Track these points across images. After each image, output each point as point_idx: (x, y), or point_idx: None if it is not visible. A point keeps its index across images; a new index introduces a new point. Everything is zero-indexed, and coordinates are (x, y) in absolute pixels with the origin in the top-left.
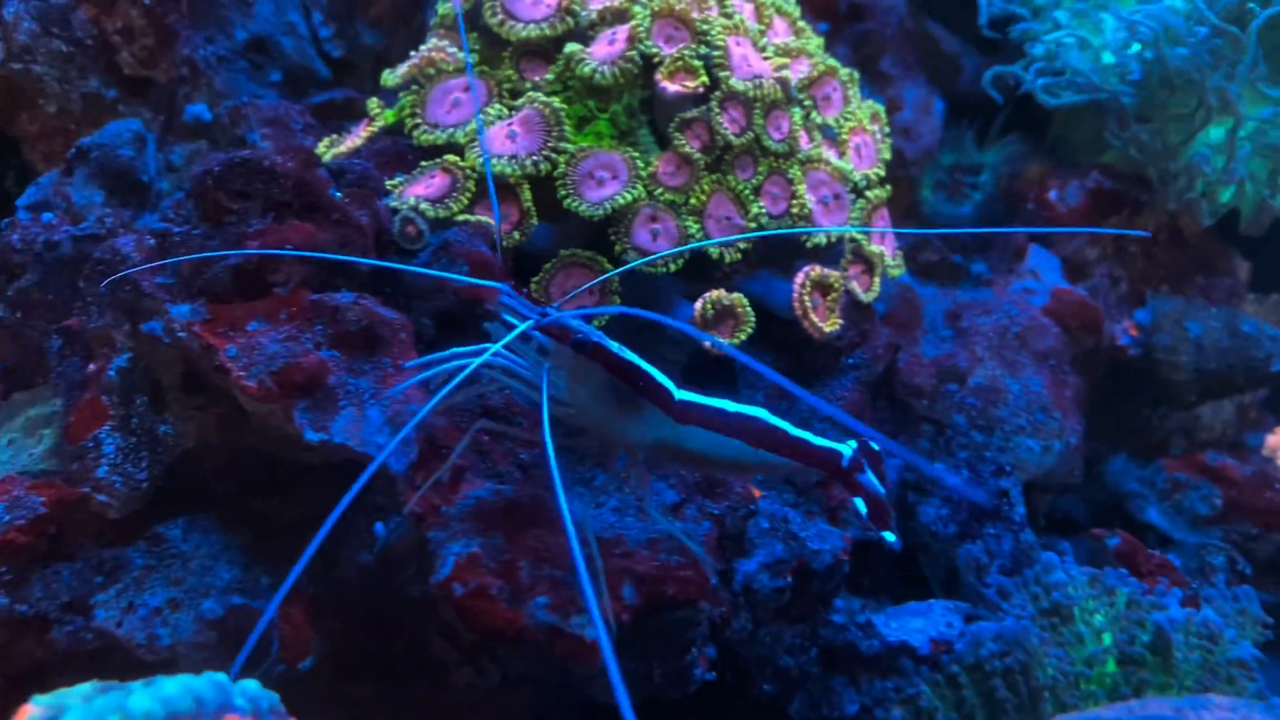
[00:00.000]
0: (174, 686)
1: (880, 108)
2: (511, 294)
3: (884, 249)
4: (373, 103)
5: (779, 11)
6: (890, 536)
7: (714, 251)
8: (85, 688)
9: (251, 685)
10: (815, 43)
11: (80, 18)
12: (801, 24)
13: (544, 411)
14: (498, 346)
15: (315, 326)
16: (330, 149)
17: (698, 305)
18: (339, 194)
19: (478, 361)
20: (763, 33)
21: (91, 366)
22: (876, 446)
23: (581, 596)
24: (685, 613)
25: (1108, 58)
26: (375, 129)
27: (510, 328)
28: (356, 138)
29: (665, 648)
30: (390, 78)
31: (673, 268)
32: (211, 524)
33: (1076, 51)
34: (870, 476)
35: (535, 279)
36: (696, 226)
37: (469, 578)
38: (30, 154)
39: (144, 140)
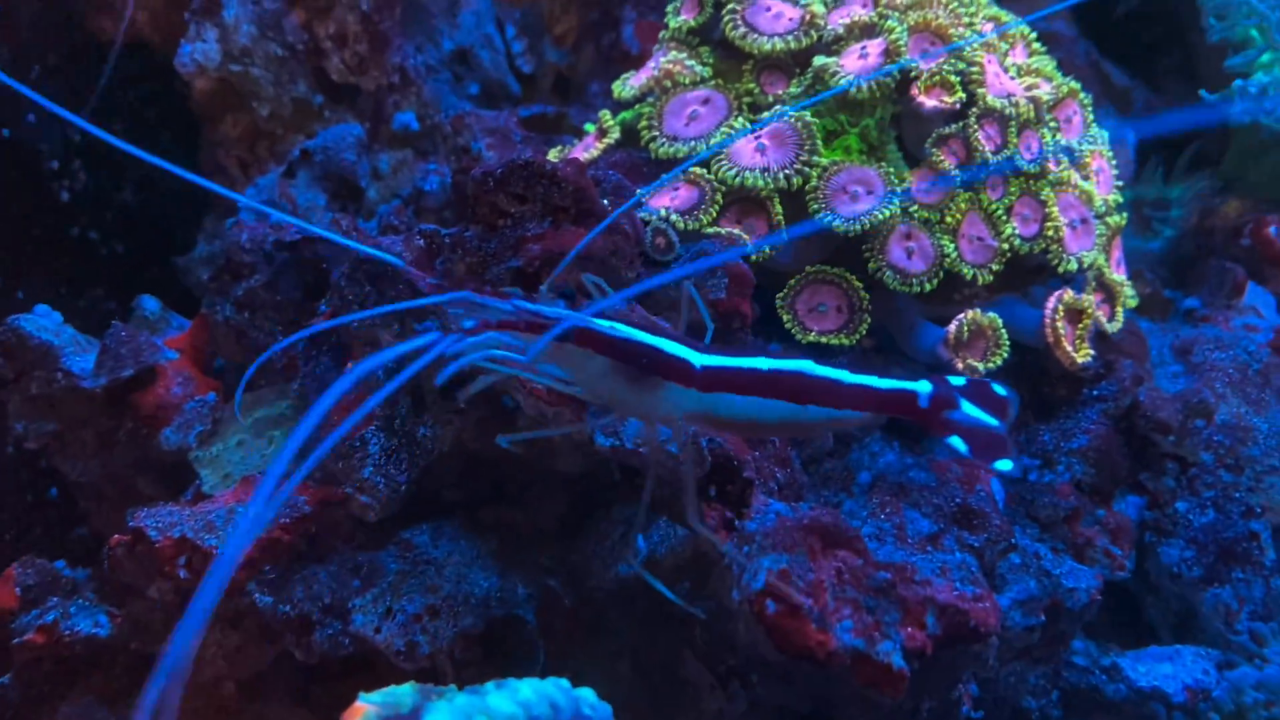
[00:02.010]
0: (528, 690)
1: (1106, 134)
2: (473, 298)
3: (1124, 277)
4: (606, 115)
5: (1019, 32)
6: (1005, 465)
7: (967, 272)
8: (408, 688)
9: (588, 694)
10: (1050, 64)
11: (292, 22)
12: (1037, 45)
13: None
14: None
15: None
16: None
17: (953, 327)
18: (606, 202)
19: (437, 347)
20: (1006, 52)
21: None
22: (1001, 391)
23: (885, 621)
24: (978, 646)
25: None
26: (610, 141)
27: (459, 326)
28: (591, 149)
29: (941, 681)
30: (625, 90)
31: (928, 287)
32: (456, 531)
33: None
34: (969, 409)
35: (780, 295)
36: (952, 245)
37: (781, 594)
38: (224, 158)
39: (364, 145)
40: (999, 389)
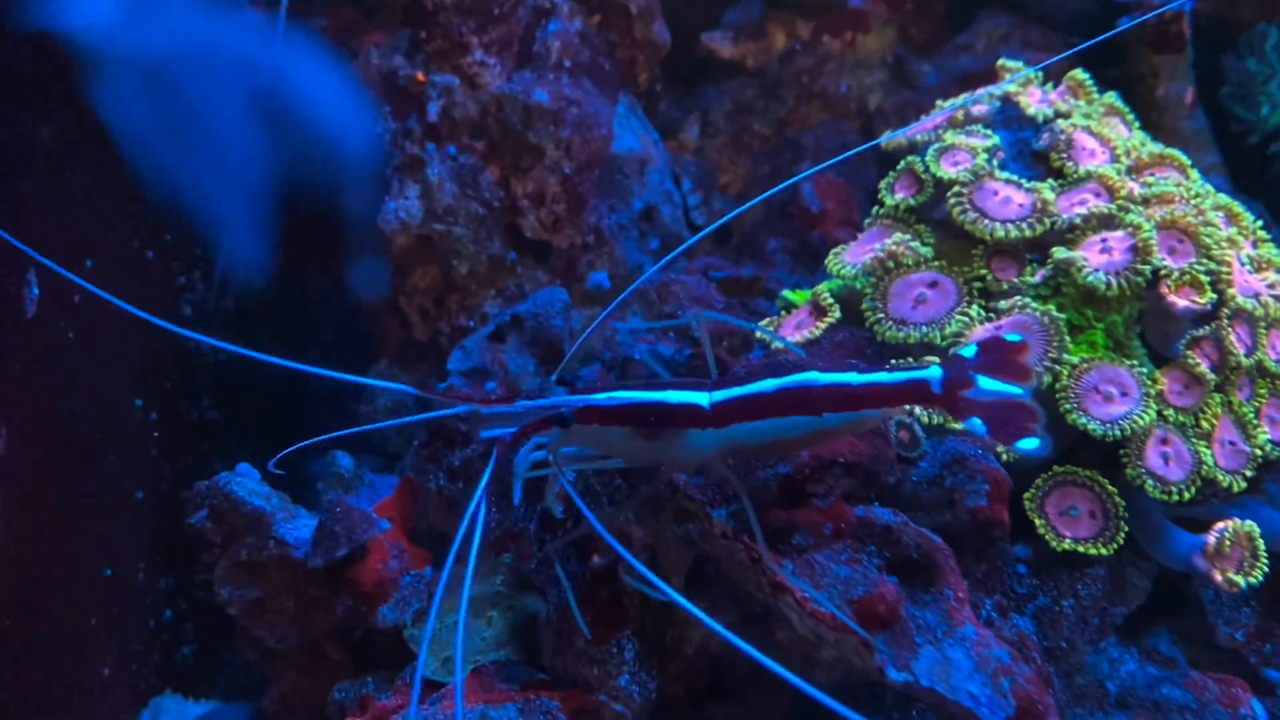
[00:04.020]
0: None
1: None
2: (481, 409)
3: None
4: (824, 293)
5: (1248, 222)
6: (1029, 444)
7: (1224, 480)
8: None
9: None
10: (1275, 251)
11: (487, 179)
12: (1263, 233)
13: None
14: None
15: (868, 548)
16: (772, 331)
17: (1212, 538)
18: None
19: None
20: (1241, 246)
21: (597, 560)
22: (1014, 337)
23: None
24: None
25: None
26: (831, 320)
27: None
28: (811, 328)
29: None
30: (844, 268)
31: (1186, 496)
32: None
33: None
34: (986, 384)
35: (1027, 495)
36: (1208, 452)
37: None
38: (406, 305)
39: (570, 309)
40: (1011, 337)
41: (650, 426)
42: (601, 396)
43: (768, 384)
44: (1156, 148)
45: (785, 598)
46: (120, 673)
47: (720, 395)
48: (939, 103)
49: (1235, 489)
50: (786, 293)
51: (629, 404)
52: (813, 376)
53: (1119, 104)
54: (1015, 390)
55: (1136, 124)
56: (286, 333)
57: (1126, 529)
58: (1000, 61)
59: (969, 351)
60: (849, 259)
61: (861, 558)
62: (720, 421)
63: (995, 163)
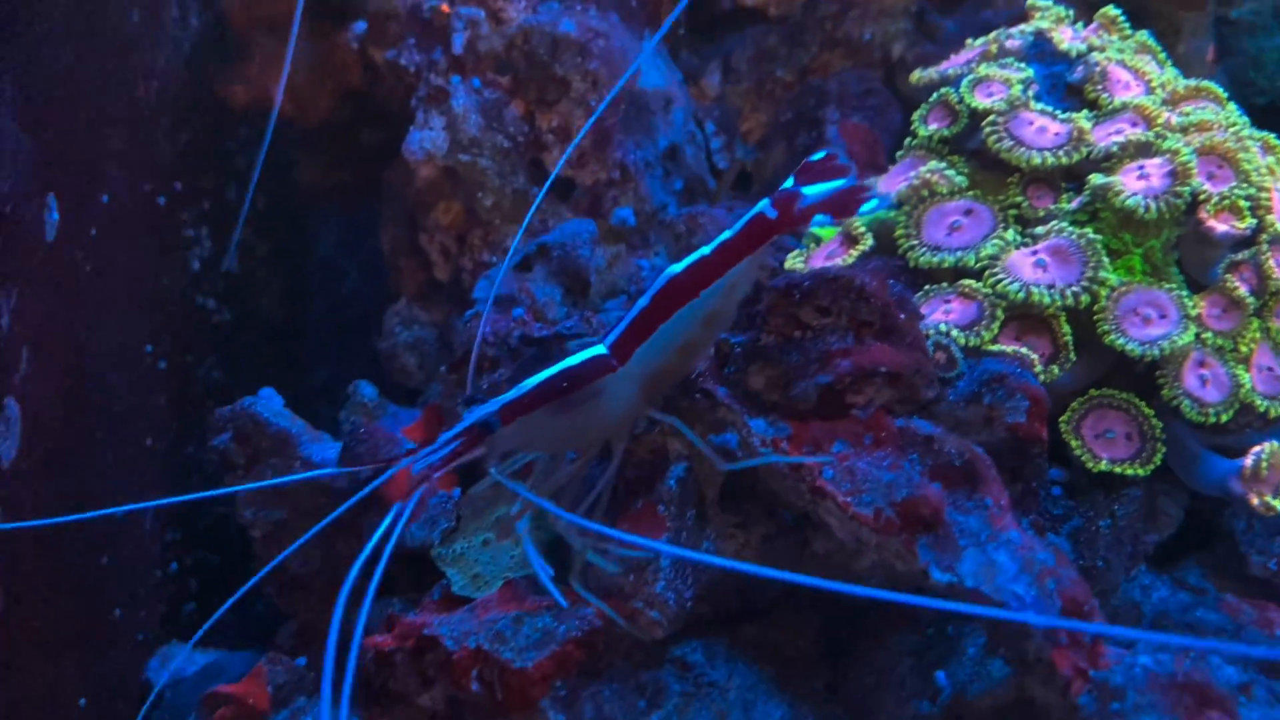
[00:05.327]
0: None
1: None
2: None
3: None
4: (859, 222)
5: None
6: (871, 203)
7: (1260, 405)
8: None
9: None
10: None
11: (512, 114)
12: None
13: None
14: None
15: (910, 455)
16: (802, 264)
17: (1249, 460)
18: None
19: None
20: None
21: (631, 473)
22: (820, 154)
23: None
24: None
25: None
26: (864, 249)
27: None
28: (842, 256)
29: None
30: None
31: (1224, 418)
32: (729, 651)
33: None
34: (810, 190)
35: (1063, 418)
36: (1246, 376)
37: None
38: (427, 244)
39: (597, 241)
40: (816, 156)
41: (566, 392)
42: (509, 393)
43: (640, 301)
44: (1191, 81)
45: (826, 502)
46: (130, 617)
47: (610, 336)
48: (969, 40)
49: (1272, 414)
50: (814, 229)
51: (538, 383)
52: (669, 269)
53: (1151, 42)
54: (838, 183)
55: (1168, 62)
56: (297, 285)
57: (1164, 450)
58: (1030, 1)
59: (788, 182)
60: (882, 189)
61: (904, 464)
62: (623, 355)
63: (1030, 93)
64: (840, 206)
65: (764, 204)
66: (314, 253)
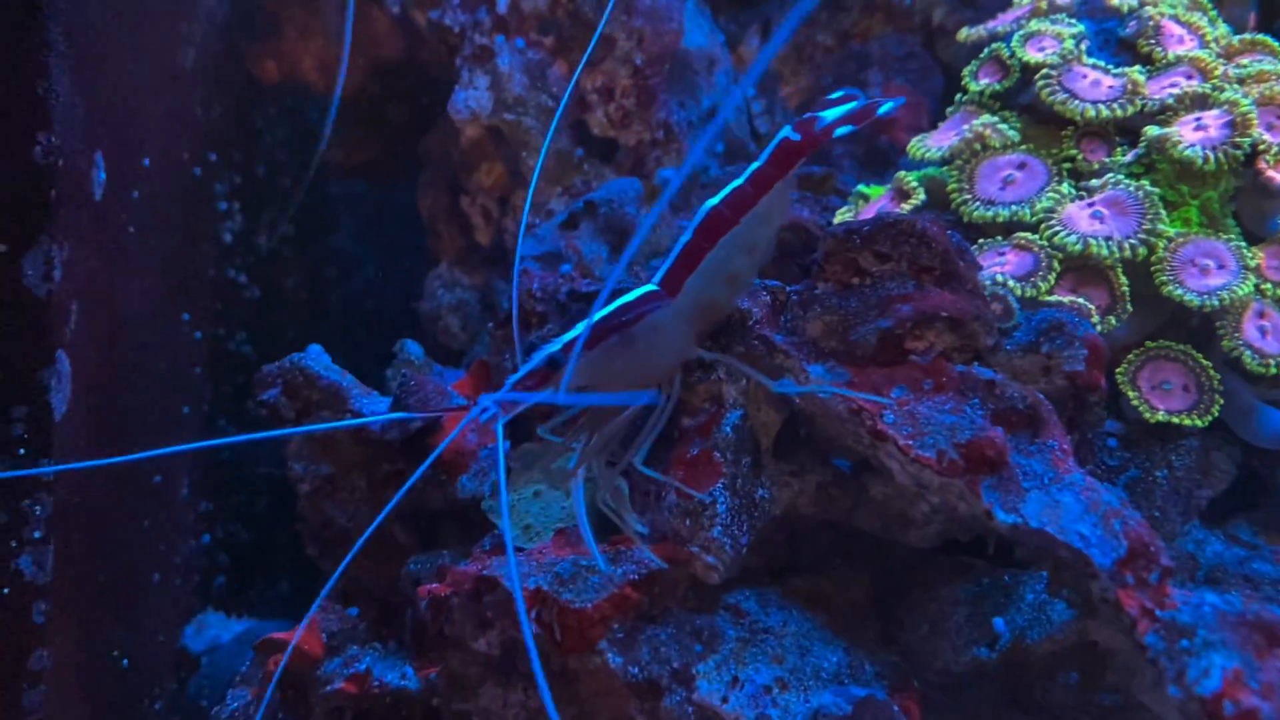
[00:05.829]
0: None
1: None
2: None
3: None
4: (907, 177)
5: None
6: (887, 106)
7: None
8: None
9: None
10: None
11: (555, 74)
12: None
13: None
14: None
15: (972, 400)
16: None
17: None
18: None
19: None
20: None
21: (687, 421)
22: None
23: None
24: None
25: None
26: (916, 203)
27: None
28: (894, 210)
29: None
30: (927, 152)
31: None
32: (781, 600)
33: None
34: (831, 112)
35: (1120, 369)
36: None
37: (1239, 695)
38: (468, 207)
39: (643, 198)
40: (834, 94)
41: (628, 325)
42: (572, 331)
43: (684, 236)
44: (1246, 35)
45: (886, 445)
46: (167, 582)
47: (660, 272)
48: (1014, 0)
49: None
50: (861, 187)
51: (599, 320)
52: (707, 202)
53: None
54: (847, 108)
55: (1219, 19)
56: (326, 262)
57: (1221, 402)
58: None
59: (797, 121)
60: (933, 143)
61: (965, 408)
62: (673, 288)
63: (1082, 47)
64: (858, 117)
65: (786, 129)
66: (344, 229)
